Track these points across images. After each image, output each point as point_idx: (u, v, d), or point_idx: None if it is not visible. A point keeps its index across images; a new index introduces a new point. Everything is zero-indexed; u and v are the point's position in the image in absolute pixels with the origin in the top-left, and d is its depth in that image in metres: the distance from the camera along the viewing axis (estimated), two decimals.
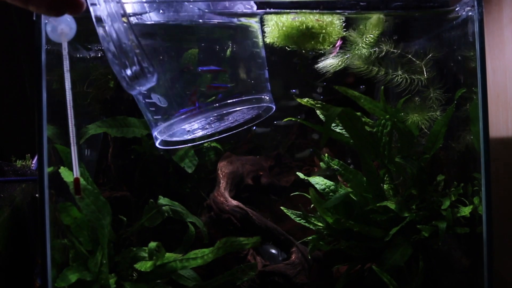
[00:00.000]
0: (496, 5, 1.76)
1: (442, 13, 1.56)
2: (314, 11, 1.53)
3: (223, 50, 1.42)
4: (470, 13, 1.47)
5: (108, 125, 1.84)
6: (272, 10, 1.51)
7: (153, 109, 1.41)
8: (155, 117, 1.42)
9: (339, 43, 1.64)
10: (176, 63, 1.39)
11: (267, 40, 1.64)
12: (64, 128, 1.27)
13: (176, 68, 1.38)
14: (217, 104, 1.37)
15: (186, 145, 1.63)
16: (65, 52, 1.27)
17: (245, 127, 1.68)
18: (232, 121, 1.62)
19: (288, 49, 1.66)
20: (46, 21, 1.35)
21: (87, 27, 1.27)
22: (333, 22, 1.59)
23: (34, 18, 1.37)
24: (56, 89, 1.41)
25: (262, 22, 1.58)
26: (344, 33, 1.62)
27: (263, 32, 1.61)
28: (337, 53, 1.64)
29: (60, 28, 1.26)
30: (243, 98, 1.41)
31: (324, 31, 1.58)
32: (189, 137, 1.61)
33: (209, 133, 1.65)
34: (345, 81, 1.95)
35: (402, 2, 1.49)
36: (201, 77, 1.39)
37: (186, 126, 1.49)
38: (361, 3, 1.49)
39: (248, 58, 1.47)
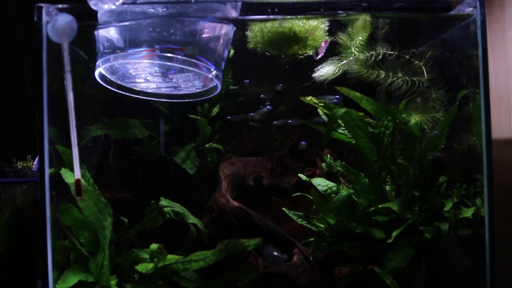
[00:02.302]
0: (498, 5, 1.76)
1: (444, 14, 1.55)
2: (299, 16, 1.53)
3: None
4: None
5: (109, 126, 1.84)
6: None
7: (108, 44, 1.43)
8: (106, 50, 1.44)
9: (323, 44, 1.64)
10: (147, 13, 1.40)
11: (250, 46, 1.66)
12: (65, 129, 1.26)
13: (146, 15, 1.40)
14: (169, 55, 1.40)
15: (121, 91, 1.64)
16: (66, 52, 1.26)
17: (184, 100, 1.69)
18: (174, 85, 1.62)
19: (268, 54, 1.67)
20: (47, 21, 1.35)
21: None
22: (318, 27, 1.59)
23: (35, 19, 1.36)
24: (57, 90, 1.41)
25: (245, 26, 1.60)
26: (328, 37, 1.62)
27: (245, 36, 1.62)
28: (331, 59, 1.64)
29: (61, 28, 1.26)
30: (194, 61, 1.41)
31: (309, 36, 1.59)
32: (129, 85, 1.61)
33: (148, 90, 1.66)
34: (347, 83, 1.95)
35: (403, 2, 1.48)
36: (165, 31, 1.41)
37: (130, 67, 1.50)
38: (363, 4, 1.48)
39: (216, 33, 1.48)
